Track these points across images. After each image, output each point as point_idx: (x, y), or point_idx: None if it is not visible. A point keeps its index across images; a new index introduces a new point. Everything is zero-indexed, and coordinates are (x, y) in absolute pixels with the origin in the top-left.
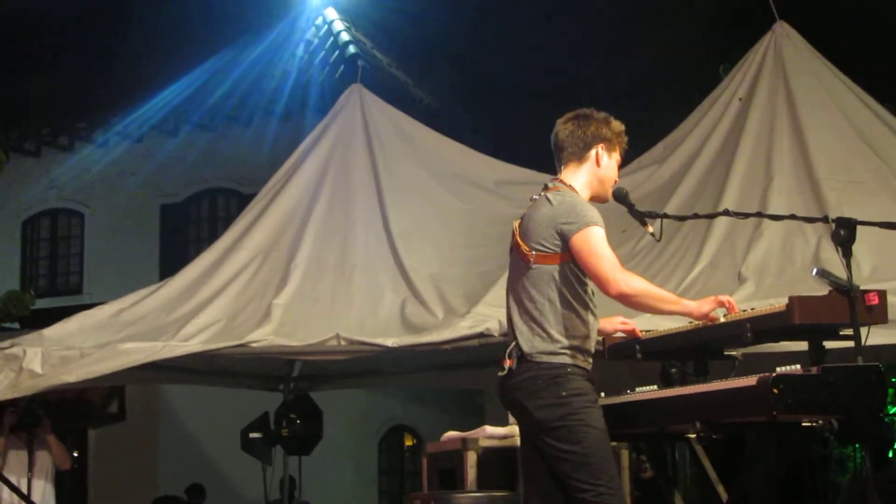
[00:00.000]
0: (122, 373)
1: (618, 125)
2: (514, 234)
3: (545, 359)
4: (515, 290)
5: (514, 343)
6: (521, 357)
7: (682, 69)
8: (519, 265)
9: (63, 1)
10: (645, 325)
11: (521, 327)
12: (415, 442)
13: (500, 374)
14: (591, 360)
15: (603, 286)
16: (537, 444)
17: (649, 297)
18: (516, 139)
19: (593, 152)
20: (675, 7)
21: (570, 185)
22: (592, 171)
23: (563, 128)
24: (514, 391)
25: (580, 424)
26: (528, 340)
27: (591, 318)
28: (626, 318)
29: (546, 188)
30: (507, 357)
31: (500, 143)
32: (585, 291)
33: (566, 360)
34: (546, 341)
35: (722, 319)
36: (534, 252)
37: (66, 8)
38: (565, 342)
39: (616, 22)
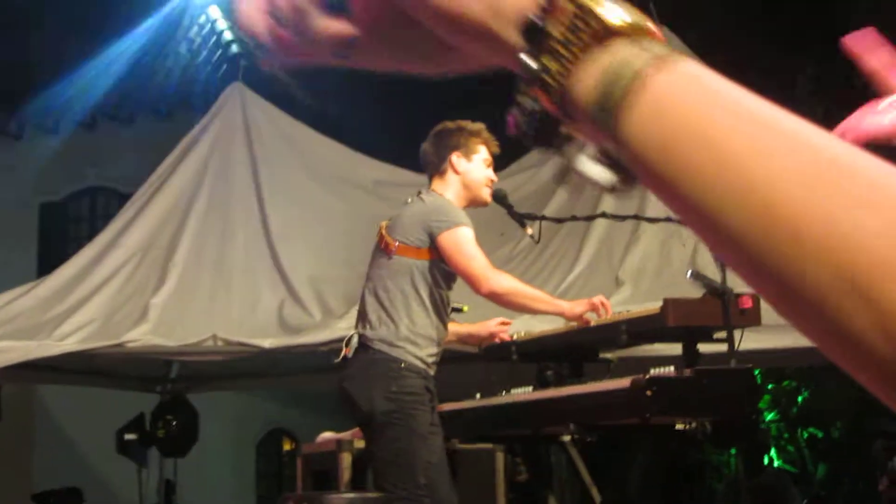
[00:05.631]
0: None
1: (474, 126)
2: (379, 231)
3: (383, 348)
4: (371, 281)
5: (355, 331)
6: (360, 345)
7: None
8: (380, 258)
9: None
10: (521, 326)
11: (369, 316)
12: (293, 446)
13: (335, 361)
14: (433, 366)
15: (474, 284)
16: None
17: (521, 295)
18: (412, 141)
19: (447, 163)
20: None
21: (442, 195)
22: (455, 179)
23: (424, 147)
24: (345, 380)
25: (401, 425)
26: (373, 328)
27: (440, 325)
28: (504, 319)
29: (419, 193)
30: (345, 345)
31: (397, 146)
32: (441, 297)
33: (404, 354)
34: (390, 332)
35: (594, 322)
36: (397, 243)
37: None
38: (409, 336)
39: None
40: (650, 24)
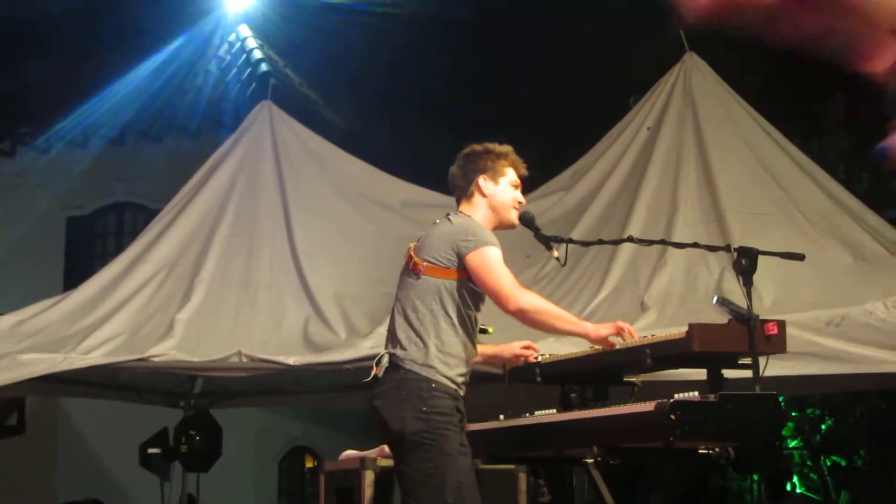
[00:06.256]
0: (21, 384)
1: (501, 148)
2: (408, 251)
3: (414, 367)
4: (400, 302)
5: (385, 351)
6: (391, 364)
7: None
8: (408, 278)
9: None
10: (545, 348)
11: (399, 336)
12: (315, 463)
13: (365, 380)
14: (463, 386)
15: (501, 302)
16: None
17: (547, 314)
18: (436, 163)
19: (475, 186)
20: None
21: (470, 217)
22: (483, 203)
23: (452, 170)
24: (376, 399)
25: (431, 445)
26: (403, 348)
27: (469, 344)
28: (529, 343)
29: (448, 215)
30: (375, 364)
31: (421, 167)
32: (470, 317)
33: (434, 374)
34: (420, 351)
35: (618, 346)
36: (425, 263)
37: None
38: (439, 356)
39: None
40: None
